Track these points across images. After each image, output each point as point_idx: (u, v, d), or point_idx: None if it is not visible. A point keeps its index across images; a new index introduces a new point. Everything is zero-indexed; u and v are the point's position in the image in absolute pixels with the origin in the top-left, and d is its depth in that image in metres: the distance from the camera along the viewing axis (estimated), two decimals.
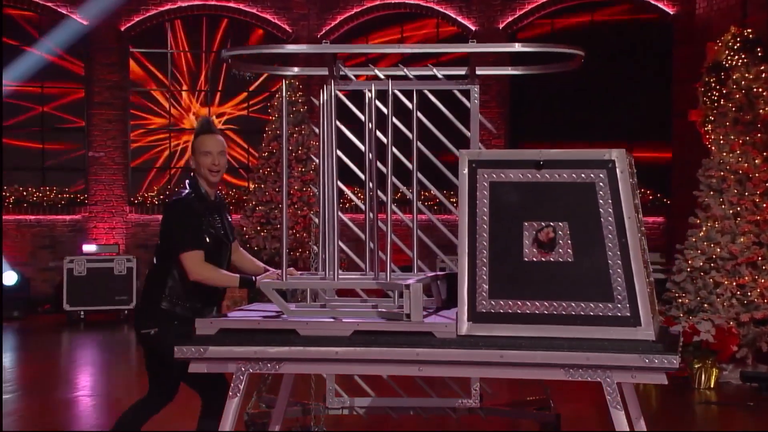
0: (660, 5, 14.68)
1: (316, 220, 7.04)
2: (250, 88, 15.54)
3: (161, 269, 4.82)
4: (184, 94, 15.55)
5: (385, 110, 6.62)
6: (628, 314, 3.84)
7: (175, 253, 4.71)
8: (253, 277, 4.69)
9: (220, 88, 15.55)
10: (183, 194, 4.82)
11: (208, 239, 4.77)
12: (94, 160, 15.14)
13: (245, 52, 6.03)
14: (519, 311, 3.93)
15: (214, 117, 15.20)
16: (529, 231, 3.93)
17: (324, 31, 15.50)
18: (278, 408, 5.06)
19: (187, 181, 4.92)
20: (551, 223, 3.89)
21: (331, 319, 4.16)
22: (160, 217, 15.90)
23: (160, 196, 15.02)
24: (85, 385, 8.85)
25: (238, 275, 4.73)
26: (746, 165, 9.06)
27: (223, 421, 4.13)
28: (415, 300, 4.00)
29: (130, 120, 15.35)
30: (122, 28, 15.14)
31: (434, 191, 6.94)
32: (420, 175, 6.43)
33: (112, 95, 15.21)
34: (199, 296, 4.80)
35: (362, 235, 6.79)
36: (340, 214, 6.61)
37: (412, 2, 15.52)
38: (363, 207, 6.82)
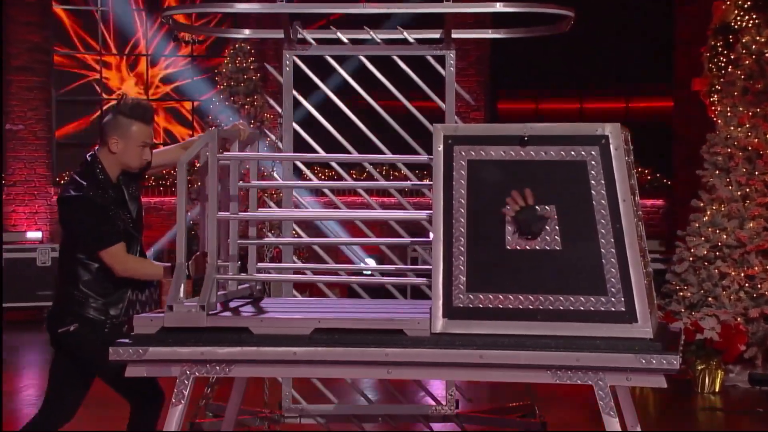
0: None
1: (271, 204, 7.07)
2: (195, 53, 15.48)
3: (68, 264, 4.89)
4: (116, 58, 15.45)
5: (349, 79, 6.68)
6: (623, 309, 3.89)
7: (93, 251, 4.81)
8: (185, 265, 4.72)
9: (156, 52, 15.47)
10: (81, 193, 4.83)
11: None
12: (12, 134, 15.03)
13: (188, 11, 6.02)
14: (500, 306, 3.97)
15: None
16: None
17: None
18: (228, 417, 5.09)
19: (85, 163, 4.92)
20: (537, 206, 3.94)
21: (290, 316, 4.19)
22: None
23: None
24: None
25: (163, 265, 4.82)
26: (756, 140, 9.17)
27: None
28: None
29: (55, 88, 15.24)
30: None
31: (405, 171, 6.98)
32: (389, 153, 6.47)
33: (33, 58, 15.09)
34: (117, 289, 4.87)
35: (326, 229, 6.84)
36: (298, 196, 6.65)
37: None
38: (328, 192, 6.87)
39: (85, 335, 4.83)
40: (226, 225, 4.53)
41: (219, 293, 4.33)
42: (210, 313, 4.13)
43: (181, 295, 4.14)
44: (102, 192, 4.86)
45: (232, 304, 4.49)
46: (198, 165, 4.30)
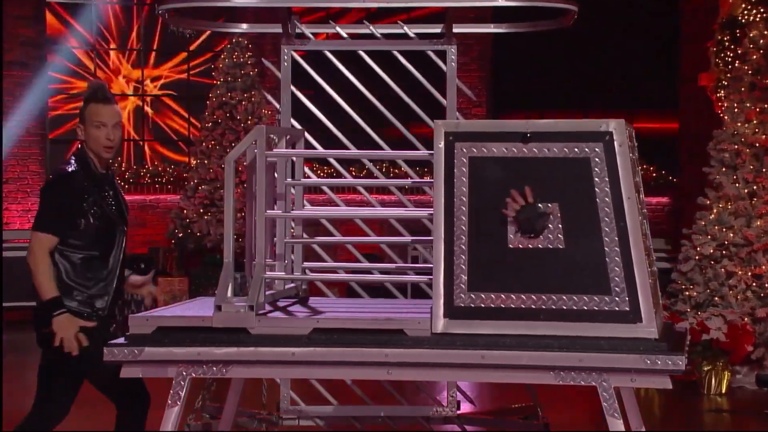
0: None
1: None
2: (191, 48, 15.49)
3: (52, 256, 4.87)
4: (112, 53, 15.46)
5: (348, 74, 6.68)
6: (627, 309, 3.91)
7: (33, 228, 4.82)
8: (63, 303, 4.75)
9: (155, 47, 15.48)
10: (68, 169, 4.85)
11: (93, 220, 4.84)
12: (2, 128, 15.03)
13: (185, 5, 6.03)
14: (502, 305, 3.98)
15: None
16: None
17: None
18: (225, 418, 5.10)
19: (73, 153, 4.94)
20: (539, 204, 3.95)
21: (288, 315, 4.20)
22: None
23: None
24: None
25: (54, 294, 4.75)
26: (764, 137, 9.17)
27: None
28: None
29: (48, 83, 15.24)
30: None
31: (405, 168, 6.99)
32: (389, 150, 6.47)
33: (26, 53, 15.07)
34: (95, 280, 4.87)
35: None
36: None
37: None
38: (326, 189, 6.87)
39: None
40: (272, 224, 4.52)
41: (267, 293, 4.32)
42: (258, 313, 4.13)
43: (229, 294, 4.14)
44: (89, 179, 4.86)
45: (280, 304, 4.50)
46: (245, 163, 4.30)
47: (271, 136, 4.46)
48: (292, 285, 4.65)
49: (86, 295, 4.85)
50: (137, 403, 5.00)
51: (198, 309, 4.43)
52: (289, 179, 4.59)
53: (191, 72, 15.55)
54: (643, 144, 4.47)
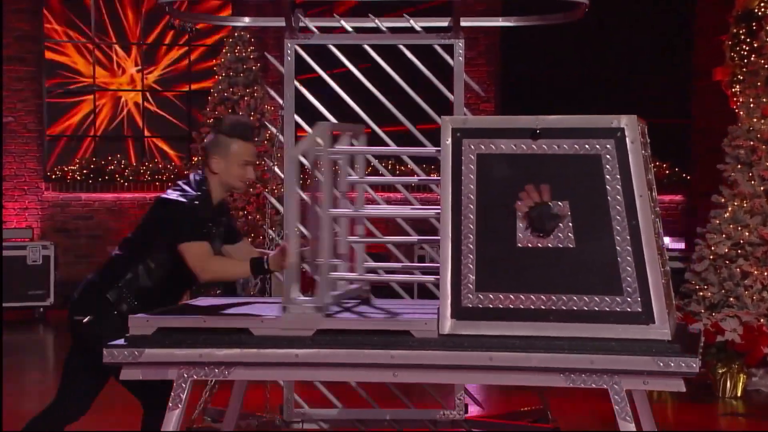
0: None
1: (272, 200, 7.08)
2: (192, 42, 15.50)
3: (124, 259, 4.94)
4: (111, 46, 15.47)
5: (352, 68, 6.69)
6: (640, 310, 3.91)
7: (173, 243, 4.81)
8: (264, 258, 4.78)
9: (155, 42, 15.49)
10: (188, 194, 4.90)
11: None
12: (2, 126, 15.06)
13: None
14: (511, 306, 3.98)
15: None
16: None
17: None
18: (227, 422, 5.11)
19: (192, 179, 4.98)
20: (551, 203, 3.95)
21: (290, 315, 4.20)
22: (83, 195, 15.72)
23: (83, 171, 14.96)
24: None
25: (247, 262, 4.83)
26: None
27: None
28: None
29: (46, 78, 15.26)
30: None
31: (411, 165, 6.99)
32: (394, 147, 6.48)
33: (23, 48, 15.10)
34: (156, 300, 4.85)
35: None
36: (300, 192, 6.65)
37: None
38: None
39: (96, 329, 4.83)
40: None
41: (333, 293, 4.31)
42: (327, 314, 4.13)
43: (294, 295, 4.14)
44: (205, 207, 4.92)
45: (345, 304, 4.50)
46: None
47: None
48: (355, 286, 4.61)
49: (136, 305, 4.86)
50: (164, 404, 5.00)
51: (199, 309, 4.44)
52: (353, 176, 4.56)
53: (192, 67, 15.55)
54: (656, 140, 4.47)
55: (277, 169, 7.41)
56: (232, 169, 4.97)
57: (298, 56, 6.50)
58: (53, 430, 4.98)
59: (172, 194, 4.92)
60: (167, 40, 15.45)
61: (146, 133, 15.39)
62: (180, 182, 5.02)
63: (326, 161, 4.18)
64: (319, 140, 4.18)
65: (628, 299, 3.91)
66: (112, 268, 4.98)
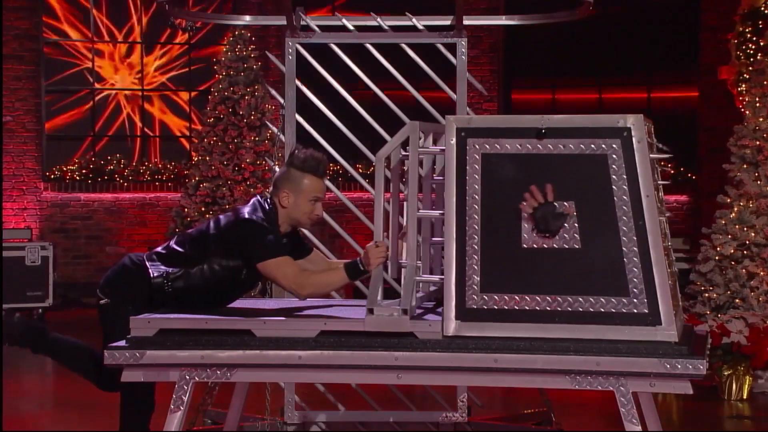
0: None
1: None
2: (192, 41, 15.50)
3: (181, 255, 4.88)
4: (109, 46, 15.47)
5: (354, 68, 6.68)
6: (646, 311, 3.91)
7: (255, 261, 4.74)
8: (358, 260, 4.61)
9: (155, 40, 15.49)
10: (257, 216, 4.84)
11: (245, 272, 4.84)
12: (1, 125, 15.06)
13: None
14: (516, 307, 3.98)
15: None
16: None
17: None
18: (228, 424, 5.11)
19: (259, 206, 4.91)
20: (556, 203, 3.95)
21: (293, 318, 4.21)
22: (82, 195, 15.68)
23: (83, 170, 14.96)
24: None
25: (341, 267, 4.67)
26: None
27: None
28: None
29: (45, 77, 15.26)
30: None
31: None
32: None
33: (22, 46, 15.10)
34: (190, 304, 4.81)
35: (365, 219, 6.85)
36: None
37: None
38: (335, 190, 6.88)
39: (113, 313, 4.80)
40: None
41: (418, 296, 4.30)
42: (412, 316, 4.11)
43: (379, 298, 4.12)
44: (277, 234, 4.86)
45: (428, 306, 4.48)
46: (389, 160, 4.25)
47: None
48: (435, 288, 4.59)
49: (173, 302, 4.82)
50: (148, 410, 5.00)
51: (201, 311, 4.44)
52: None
53: (192, 65, 15.55)
54: (661, 139, 4.47)
55: (277, 169, 7.40)
56: (301, 205, 4.89)
57: (299, 55, 6.49)
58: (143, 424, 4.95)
59: (254, 215, 4.84)
60: (165, 39, 15.45)
61: (145, 133, 15.39)
62: (250, 207, 4.93)
63: (413, 161, 4.16)
64: (413, 139, 4.13)
65: (635, 300, 3.91)
66: (165, 257, 4.90)
